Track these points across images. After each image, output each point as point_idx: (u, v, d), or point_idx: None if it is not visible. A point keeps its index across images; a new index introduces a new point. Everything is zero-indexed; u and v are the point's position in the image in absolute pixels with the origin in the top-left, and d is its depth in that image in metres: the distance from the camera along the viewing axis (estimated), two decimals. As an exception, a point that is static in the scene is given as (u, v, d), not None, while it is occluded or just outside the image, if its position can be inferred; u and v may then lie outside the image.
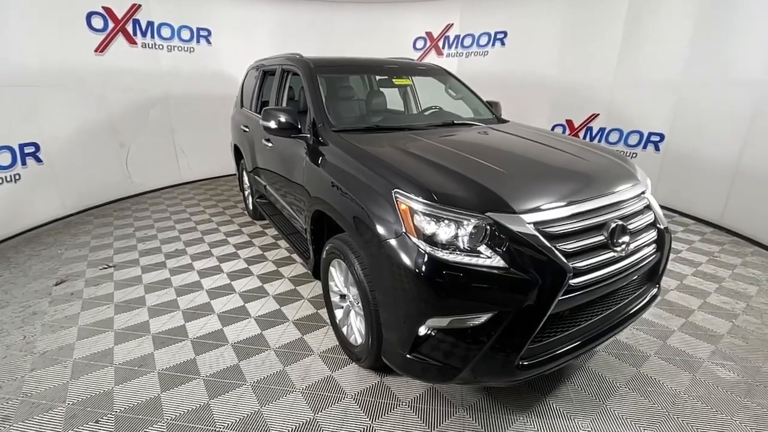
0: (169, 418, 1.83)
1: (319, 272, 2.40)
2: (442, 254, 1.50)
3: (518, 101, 5.35)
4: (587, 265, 1.58)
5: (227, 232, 4.10)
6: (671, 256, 3.44)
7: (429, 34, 6.65)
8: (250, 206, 4.39)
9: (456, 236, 1.53)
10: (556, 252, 1.52)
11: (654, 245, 1.90)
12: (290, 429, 1.77)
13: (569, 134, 5.51)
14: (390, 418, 1.83)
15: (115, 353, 2.29)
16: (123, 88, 5.06)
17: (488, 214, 1.53)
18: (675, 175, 4.61)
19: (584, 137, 5.49)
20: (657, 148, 4.77)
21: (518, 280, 1.47)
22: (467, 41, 6.44)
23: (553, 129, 5.72)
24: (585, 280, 1.57)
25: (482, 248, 1.51)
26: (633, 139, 5.01)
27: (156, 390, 2.00)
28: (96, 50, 4.72)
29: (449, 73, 3.32)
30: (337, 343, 2.32)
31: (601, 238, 1.66)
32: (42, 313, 2.69)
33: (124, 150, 5.21)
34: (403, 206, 1.61)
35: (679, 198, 4.58)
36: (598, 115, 5.33)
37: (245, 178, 4.36)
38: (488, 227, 1.52)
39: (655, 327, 2.51)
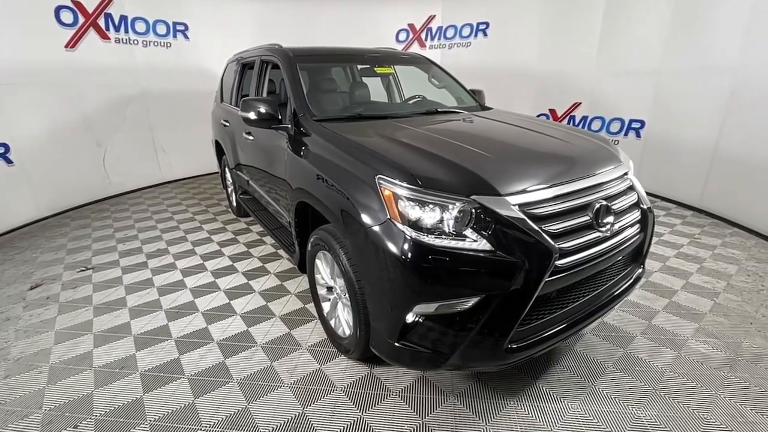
0: (153, 419, 1.77)
1: (305, 266, 2.36)
2: (427, 239, 1.47)
3: (502, 92, 5.34)
4: (573, 245, 1.58)
5: (211, 230, 4.01)
6: (654, 239, 3.50)
7: (411, 26, 6.61)
8: (234, 203, 4.29)
9: (441, 220, 1.50)
10: (542, 233, 1.50)
11: (638, 225, 1.91)
12: (279, 424, 1.73)
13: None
14: (380, 408, 1.81)
15: (94, 356, 2.20)
16: (97, 85, 4.88)
17: (473, 197, 1.51)
18: (656, 161, 4.69)
19: (567, 126, 5.54)
20: (638, 135, 4.84)
21: (505, 263, 1.45)
22: (450, 32, 6.42)
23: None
24: (571, 261, 1.57)
25: (468, 232, 1.49)
26: (614, 127, 5.08)
27: (138, 391, 1.93)
28: (66, 46, 4.54)
29: (432, 62, 3.29)
30: (326, 337, 2.29)
31: (586, 218, 1.66)
32: (16, 319, 2.58)
33: (101, 149, 5.04)
34: (386, 192, 1.58)
35: (661, 183, 4.67)
36: (581, 103, 5.38)
37: (228, 175, 4.27)
38: (473, 210, 1.50)
39: (640, 308, 2.55)
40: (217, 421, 1.75)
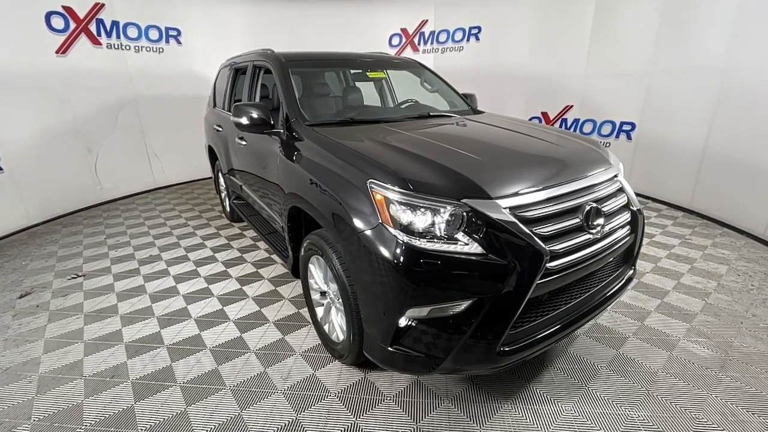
0: (144, 428, 1.75)
1: (298, 271, 2.35)
2: (419, 243, 1.48)
3: (494, 95, 5.41)
4: (564, 247, 1.59)
5: (204, 236, 3.99)
6: (646, 240, 3.53)
7: (404, 30, 6.65)
8: (227, 208, 4.28)
9: (433, 224, 1.51)
10: (533, 236, 1.51)
11: (628, 227, 1.93)
12: (272, 431, 1.72)
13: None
14: (374, 413, 1.80)
15: (84, 365, 2.17)
16: (88, 91, 4.85)
17: (464, 200, 1.52)
18: (647, 163, 4.74)
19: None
20: (629, 137, 4.90)
21: (496, 266, 1.46)
22: (442, 37, 6.47)
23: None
24: (562, 263, 1.58)
25: (459, 235, 1.49)
26: (606, 129, 5.13)
27: (129, 400, 1.91)
28: (57, 51, 4.51)
29: (424, 66, 3.31)
30: (320, 342, 2.27)
31: (577, 220, 1.67)
32: (4, 328, 2.54)
33: (93, 155, 5.00)
34: (378, 196, 1.58)
35: (652, 185, 4.71)
36: (572, 106, 5.43)
37: (221, 180, 4.25)
38: (465, 214, 1.50)
39: (632, 309, 2.57)
40: (210, 429, 1.73)
